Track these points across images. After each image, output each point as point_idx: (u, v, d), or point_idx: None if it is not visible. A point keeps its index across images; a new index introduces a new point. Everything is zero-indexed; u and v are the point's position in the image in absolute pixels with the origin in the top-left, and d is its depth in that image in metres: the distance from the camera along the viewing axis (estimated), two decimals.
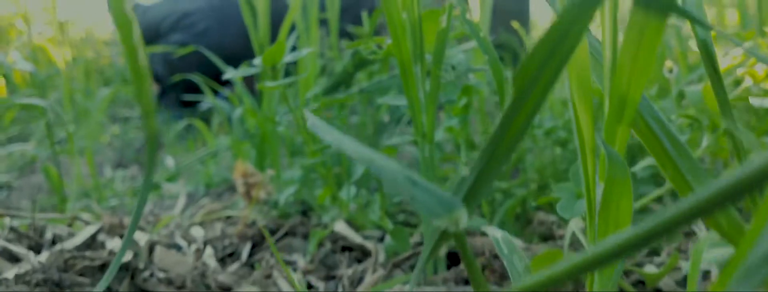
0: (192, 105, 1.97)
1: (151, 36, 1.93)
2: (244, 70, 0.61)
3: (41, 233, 0.67)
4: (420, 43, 0.54)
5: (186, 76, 1.81)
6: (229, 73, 0.60)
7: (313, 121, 0.28)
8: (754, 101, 0.39)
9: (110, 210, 1.01)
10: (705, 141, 0.50)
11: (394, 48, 0.53)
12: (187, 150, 1.47)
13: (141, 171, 1.35)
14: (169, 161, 1.16)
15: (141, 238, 0.64)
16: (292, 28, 1.18)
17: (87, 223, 0.71)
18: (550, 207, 0.77)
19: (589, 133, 0.30)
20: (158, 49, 1.69)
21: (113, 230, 0.67)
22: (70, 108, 1.70)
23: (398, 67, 0.54)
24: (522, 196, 0.76)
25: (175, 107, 1.95)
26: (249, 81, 2.09)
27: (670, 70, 0.63)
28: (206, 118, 1.85)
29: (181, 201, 0.91)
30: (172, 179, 1.07)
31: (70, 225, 0.69)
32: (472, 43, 0.88)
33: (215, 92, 1.97)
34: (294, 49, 1.18)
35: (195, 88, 1.88)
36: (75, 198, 1.06)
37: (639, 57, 0.27)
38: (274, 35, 1.12)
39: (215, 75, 1.83)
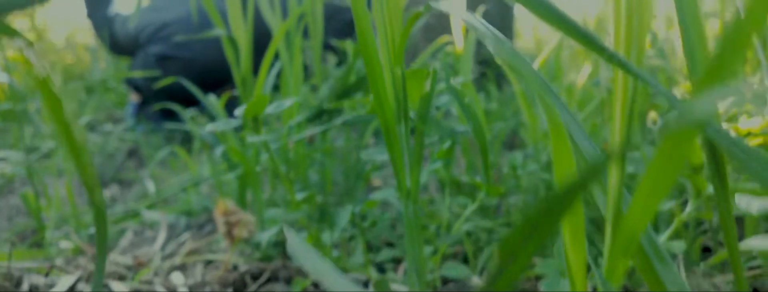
0: (174, 115, 1.95)
1: (131, 46, 1.91)
2: (226, 123, 0.60)
3: (18, 282, 0.66)
4: (403, 102, 0.53)
5: (166, 101, 1.79)
6: (211, 127, 0.59)
7: (293, 243, 0.27)
8: (740, 204, 0.39)
9: (89, 240, 1.00)
10: (689, 206, 0.50)
11: (377, 107, 0.52)
12: (168, 168, 1.45)
13: (121, 191, 1.34)
14: (150, 185, 1.14)
15: (120, 289, 0.63)
16: (275, 56, 1.17)
17: (65, 272, 0.69)
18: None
19: (581, 279, 0.29)
20: (138, 74, 1.67)
21: (92, 279, 0.66)
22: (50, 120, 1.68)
23: (381, 125, 0.53)
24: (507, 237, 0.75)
25: (157, 118, 1.93)
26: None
27: (655, 122, 0.63)
28: (188, 132, 1.83)
29: (162, 236, 0.90)
30: (152, 206, 1.06)
31: (47, 275, 0.68)
32: (458, 79, 0.87)
33: (198, 102, 1.95)
34: (277, 74, 1.17)
35: (177, 98, 1.86)
36: (54, 225, 1.04)
37: (660, 180, 0.25)
38: (256, 64, 1.11)
39: (197, 85, 1.81)
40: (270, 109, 0.60)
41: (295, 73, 0.93)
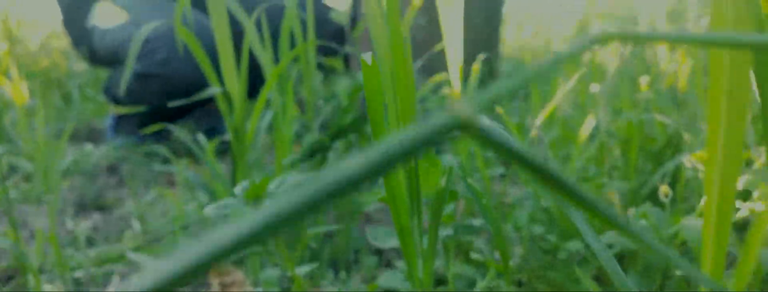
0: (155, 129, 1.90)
1: (110, 60, 1.85)
2: (224, 204, 0.57)
3: None
4: (417, 196, 0.50)
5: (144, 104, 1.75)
6: (211, 208, 0.56)
7: None
8: None
9: (75, 285, 0.97)
10: None
11: (389, 200, 0.50)
12: (152, 191, 1.42)
13: (103, 219, 1.30)
14: (136, 225, 1.11)
15: None
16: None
17: None
18: None
19: None
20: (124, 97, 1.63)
21: None
22: (29, 140, 1.63)
23: (393, 219, 0.51)
24: None
25: (137, 132, 1.88)
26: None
27: (666, 195, 0.61)
28: (170, 149, 1.79)
29: None
30: (139, 248, 1.03)
31: None
32: None
33: (177, 117, 1.91)
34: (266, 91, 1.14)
35: (157, 113, 1.82)
36: (37, 266, 1.01)
37: None
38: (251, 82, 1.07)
39: (173, 100, 1.76)
40: (272, 186, 0.58)
41: (287, 118, 0.90)
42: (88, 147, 1.69)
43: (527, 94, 2.16)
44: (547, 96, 1.50)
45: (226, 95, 0.76)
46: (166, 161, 1.68)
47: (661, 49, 2.41)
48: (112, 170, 1.71)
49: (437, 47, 0.98)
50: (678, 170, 0.97)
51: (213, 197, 0.96)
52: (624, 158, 1.01)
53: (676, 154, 1.04)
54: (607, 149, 1.00)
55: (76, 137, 1.99)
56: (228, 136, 0.87)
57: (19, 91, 1.42)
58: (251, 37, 0.82)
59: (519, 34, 3.54)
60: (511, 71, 2.50)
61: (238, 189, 0.58)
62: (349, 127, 0.94)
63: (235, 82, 0.75)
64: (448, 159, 0.53)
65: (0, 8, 2.35)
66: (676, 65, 2.24)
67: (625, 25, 3.38)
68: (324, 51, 1.72)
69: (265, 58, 0.91)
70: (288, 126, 0.91)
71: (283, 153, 0.94)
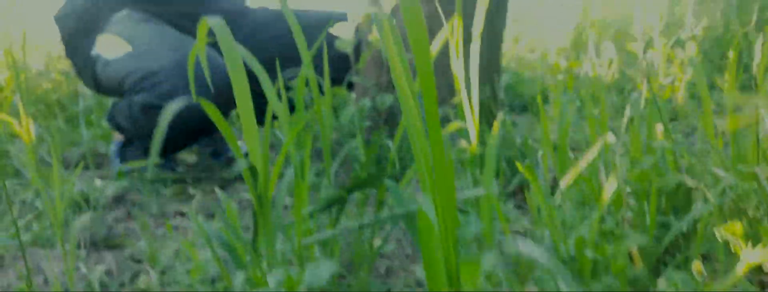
0: (161, 156, 1.90)
1: (113, 90, 1.85)
2: None
3: None
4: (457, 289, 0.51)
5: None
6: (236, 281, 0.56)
7: None
8: None
9: None
10: None
11: None
12: (162, 226, 1.42)
13: (115, 261, 1.30)
14: (152, 275, 1.11)
15: None
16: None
17: None
18: None
19: None
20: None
21: None
22: (37, 176, 1.62)
23: None
24: None
25: (141, 159, 1.88)
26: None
27: (699, 273, 0.62)
28: (179, 177, 1.79)
29: None
30: None
31: None
32: None
33: (183, 146, 1.91)
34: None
35: (162, 143, 1.82)
36: None
37: None
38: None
39: (181, 132, 1.74)
40: (308, 277, 0.58)
41: (305, 171, 0.91)
42: (96, 180, 1.69)
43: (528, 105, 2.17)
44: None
45: (251, 168, 0.76)
46: (175, 193, 1.68)
47: (657, 61, 2.41)
48: (120, 199, 1.71)
49: (455, 100, 0.98)
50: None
51: (231, 251, 0.96)
52: (638, 203, 1.01)
53: (689, 194, 1.04)
54: (623, 192, 1.01)
55: (85, 167, 1.99)
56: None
57: (27, 130, 1.42)
58: (271, 99, 0.82)
59: (515, 46, 3.55)
60: (508, 84, 2.50)
61: (272, 282, 0.58)
62: (367, 181, 0.94)
63: (258, 152, 0.75)
64: (488, 256, 0.53)
65: (3, 32, 2.35)
66: (672, 78, 2.24)
67: (619, 34, 3.39)
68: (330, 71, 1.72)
69: (282, 114, 0.91)
70: (305, 179, 0.92)
71: (302, 204, 0.94)
